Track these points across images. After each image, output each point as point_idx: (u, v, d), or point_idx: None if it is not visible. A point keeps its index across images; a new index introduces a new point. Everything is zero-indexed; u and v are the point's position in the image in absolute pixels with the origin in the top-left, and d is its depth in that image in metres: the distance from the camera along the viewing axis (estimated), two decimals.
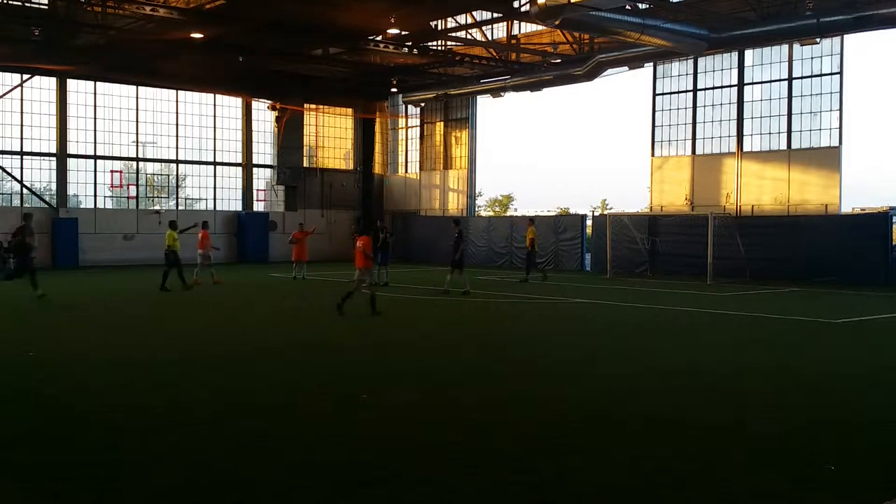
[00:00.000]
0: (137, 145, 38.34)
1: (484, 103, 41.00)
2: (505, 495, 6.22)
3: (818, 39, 25.86)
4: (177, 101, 38.80)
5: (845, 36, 27.60)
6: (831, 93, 28.72)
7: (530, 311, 19.97)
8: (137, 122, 37.86)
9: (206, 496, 6.19)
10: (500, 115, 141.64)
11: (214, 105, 40.04)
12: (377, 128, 45.19)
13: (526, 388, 10.30)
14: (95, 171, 36.98)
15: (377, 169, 45.36)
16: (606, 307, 20.38)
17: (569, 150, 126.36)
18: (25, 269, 20.78)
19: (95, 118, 36.79)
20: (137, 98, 37.67)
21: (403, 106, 43.13)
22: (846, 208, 28.71)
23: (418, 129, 43.85)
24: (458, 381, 10.77)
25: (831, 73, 28.74)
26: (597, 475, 6.72)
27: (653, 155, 34.02)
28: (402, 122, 44.60)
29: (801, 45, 27.96)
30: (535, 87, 34.50)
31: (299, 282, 27.55)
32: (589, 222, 36.72)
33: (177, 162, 39.39)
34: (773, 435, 7.91)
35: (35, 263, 32.92)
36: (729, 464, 7.00)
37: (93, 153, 36.79)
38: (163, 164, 39.71)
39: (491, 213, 70.22)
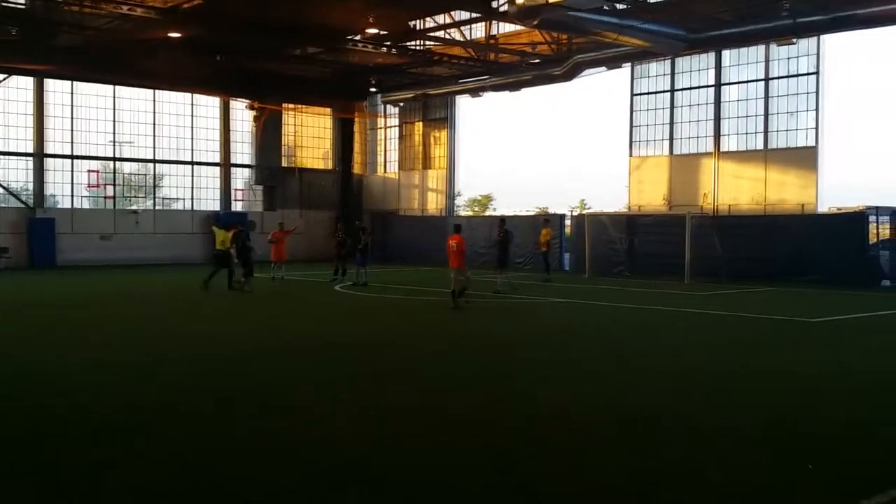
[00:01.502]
0: (115, 145, 38.01)
1: (463, 103, 40.98)
2: (500, 495, 6.25)
3: (795, 40, 26.14)
4: (154, 101, 38.49)
5: (822, 36, 27.81)
6: (808, 93, 28.95)
7: (514, 312, 20.04)
8: (115, 121, 37.55)
9: (205, 496, 6.19)
10: (479, 115, 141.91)
11: (192, 104, 39.76)
12: (356, 127, 45.04)
13: (520, 388, 10.33)
14: (73, 170, 36.62)
15: (356, 169, 45.23)
16: (588, 307, 20.51)
17: (548, 150, 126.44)
18: (248, 266, 23.51)
19: (73, 118, 36.44)
20: (115, 97, 37.34)
21: (382, 106, 43.04)
22: (823, 208, 28.92)
23: (397, 128, 43.78)
24: (453, 381, 10.76)
25: (808, 74, 28.97)
26: (594, 475, 6.76)
27: (631, 155, 34.18)
28: (381, 121, 44.52)
29: (779, 46, 28.16)
30: (514, 86, 34.61)
31: (279, 282, 27.39)
32: (567, 222, 36.80)
33: (154, 162, 39.09)
34: (772, 435, 7.99)
35: (10, 263, 33.03)
36: (728, 464, 7.04)
37: (70, 153, 36.44)
38: (140, 163, 39.38)
39: (470, 213, 70.24)
